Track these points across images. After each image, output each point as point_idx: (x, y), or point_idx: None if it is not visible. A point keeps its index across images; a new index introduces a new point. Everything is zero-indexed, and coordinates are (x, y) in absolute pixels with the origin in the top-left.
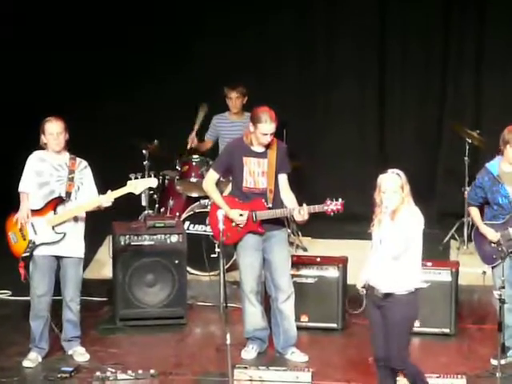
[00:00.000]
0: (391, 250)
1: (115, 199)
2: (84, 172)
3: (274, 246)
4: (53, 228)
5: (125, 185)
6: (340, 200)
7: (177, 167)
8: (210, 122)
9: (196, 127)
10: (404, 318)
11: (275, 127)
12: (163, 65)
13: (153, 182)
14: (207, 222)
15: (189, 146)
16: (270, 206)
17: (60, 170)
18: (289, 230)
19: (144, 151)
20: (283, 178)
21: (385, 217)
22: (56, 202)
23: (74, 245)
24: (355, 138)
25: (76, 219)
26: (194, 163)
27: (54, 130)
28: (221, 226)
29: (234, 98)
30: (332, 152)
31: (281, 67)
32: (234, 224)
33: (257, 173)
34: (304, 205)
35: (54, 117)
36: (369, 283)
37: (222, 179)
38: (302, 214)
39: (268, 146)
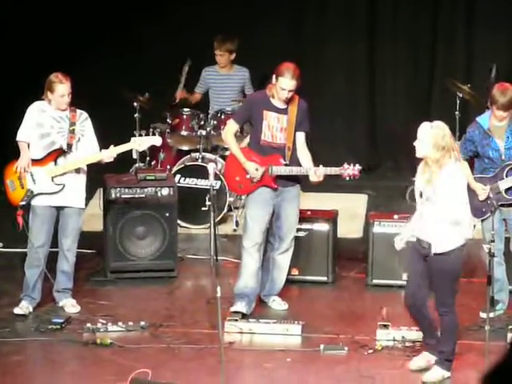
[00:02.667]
0: (451, 217)
1: (117, 155)
2: (85, 124)
3: (285, 202)
4: (52, 179)
5: (128, 140)
6: (358, 166)
7: (167, 120)
8: (195, 75)
9: (182, 82)
10: (453, 270)
11: (296, 85)
12: (153, 18)
13: (157, 140)
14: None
15: (177, 100)
16: (287, 162)
17: (61, 121)
18: None
19: (135, 104)
20: (301, 136)
21: (426, 169)
22: (57, 154)
23: (75, 195)
24: (345, 92)
25: (78, 171)
26: (184, 116)
27: (65, 92)
28: (211, 179)
29: (219, 55)
30: (322, 107)
31: (271, 24)
32: (248, 176)
33: (275, 128)
34: (321, 166)
35: (63, 76)
36: (416, 235)
37: (239, 134)
38: (317, 174)
39: (289, 103)
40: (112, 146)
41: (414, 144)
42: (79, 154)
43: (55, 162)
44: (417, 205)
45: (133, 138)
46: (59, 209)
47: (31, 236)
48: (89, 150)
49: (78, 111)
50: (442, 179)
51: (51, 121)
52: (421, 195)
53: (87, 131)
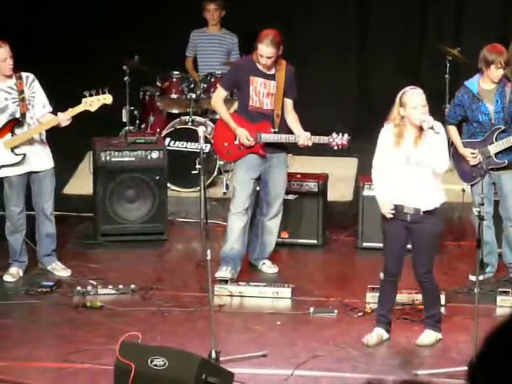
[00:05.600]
0: (442, 166)
1: (73, 117)
2: (33, 85)
3: (273, 168)
4: (12, 150)
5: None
6: (346, 135)
7: (157, 83)
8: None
9: None
10: (438, 231)
11: (274, 52)
12: None
13: (107, 98)
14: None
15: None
16: (276, 130)
17: (12, 92)
18: None
19: (125, 67)
20: (289, 103)
21: (410, 135)
22: (12, 124)
23: (43, 158)
24: (335, 56)
25: (37, 136)
26: (174, 79)
27: (6, 55)
28: (201, 143)
29: (212, 10)
30: (311, 72)
31: None
32: (237, 142)
33: (262, 93)
34: (308, 133)
35: (1, 40)
36: (396, 203)
37: (229, 97)
38: (308, 137)
39: (277, 69)
40: (70, 108)
41: (416, 113)
42: (36, 115)
43: (12, 132)
44: (382, 173)
45: (83, 99)
46: (29, 174)
47: (10, 205)
48: (42, 110)
49: (24, 75)
50: (429, 136)
51: (3, 94)
52: (407, 161)
53: (37, 91)
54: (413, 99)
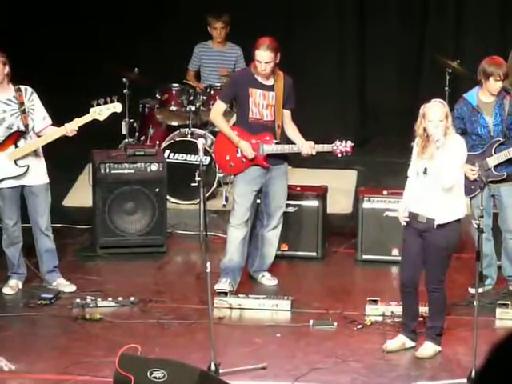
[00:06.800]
0: (446, 182)
1: (79, 127)
2: (32, 98)
3: (274, 179)
4: (15, 162)
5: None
6: (349, 142)
7: (157, 95)
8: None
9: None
10: (450, 245)
11: (272, 57)
12: None
13: (117, 106)
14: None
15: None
16: (278, 141)
17: (11, 104)
18: None
19: (124, 79)
20: (287, 114)
21: (429, 147)
22: (16, 136)
23: (39, 172)
24: (335, 66)
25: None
26: (173, 91)
27: None
28: (201, 155)
29: (219, 28)
30: (311, 83)
31: (262, 1)
32: (239, 154)
33: (261, 105)
34: (312, 142)
35: None
36: (410, 211)
37: (228, 109)
38: (310, 152)
39: (275, 80)
40: (76, 118)
41: (432, 126)
42: (37, 129)
43: (15, 144)
44: (409, 182)
45: (92, 109)
46: (22, 187)
47: (4, 218)
48: (42, 123)
49: (22, 88)
50: (445, 150)
51: (2, 106)
52: (425, 172)
53: (36, 104)
54: (429, 112)
